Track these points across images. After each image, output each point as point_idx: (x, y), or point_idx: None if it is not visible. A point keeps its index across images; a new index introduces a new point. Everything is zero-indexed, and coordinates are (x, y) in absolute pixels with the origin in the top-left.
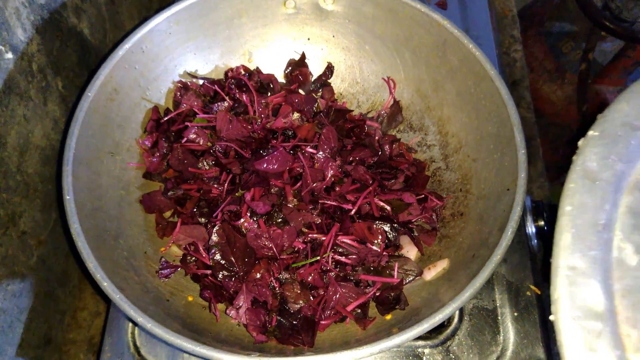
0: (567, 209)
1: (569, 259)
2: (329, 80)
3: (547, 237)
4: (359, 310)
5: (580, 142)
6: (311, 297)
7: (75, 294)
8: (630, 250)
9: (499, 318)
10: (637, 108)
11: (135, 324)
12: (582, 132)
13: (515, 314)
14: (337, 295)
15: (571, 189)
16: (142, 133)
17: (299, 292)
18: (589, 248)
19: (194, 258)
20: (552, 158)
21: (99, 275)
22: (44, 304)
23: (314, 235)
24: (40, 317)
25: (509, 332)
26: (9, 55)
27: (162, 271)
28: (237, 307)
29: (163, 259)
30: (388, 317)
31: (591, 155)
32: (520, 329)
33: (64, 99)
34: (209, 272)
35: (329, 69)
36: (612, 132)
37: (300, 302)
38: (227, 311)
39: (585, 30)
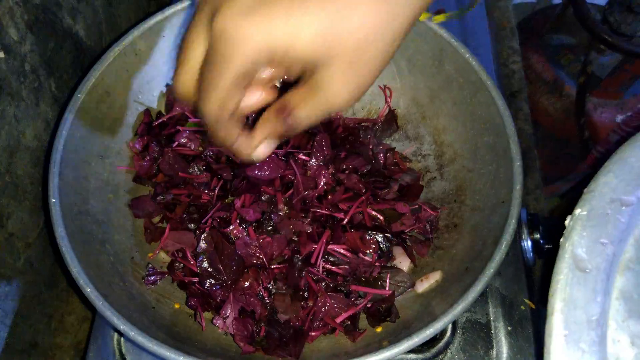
0: (558, 306)
1: None
2: None
3: (542, 250)
4: (349, 322)
5: (567, 222)
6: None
7: (63, 298)
8: (625, 342)
9: (493, 332)
10: (624, 180)
11: (118, 331)
12: (580, 146)
13: (509, 328)
14: (327, 307)
15: (561, 282)
16: (132, 136)
17: (289, 303)
18: (583, 351)
19: (181, 265)
20: (549, 170)
21: (82, 280)
22: (31, 307)
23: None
24: (26, 321)
25: (503, 347)
26: (1, 55)
27: (149, 277)
28: (224, 316)
29: (150, 265)
30: (378, 329)
31: (580, 239)
32: (514, 343)
33: (56, 100)
34: (196, 279)
35: None
36: (601, 210)
37: (290, 313)
38: (214, 321)
39: (584, 43)
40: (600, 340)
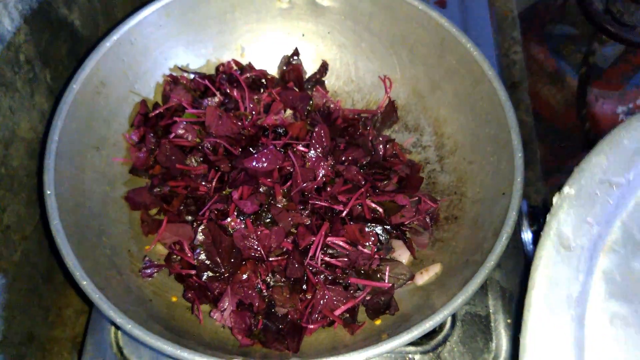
0: (539, 281)
1: (539, 341)
2: (323, 78)
3: None
4: (348, 315)
5: (555, 199)
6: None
7: (60, 291)
8: (604, 322)
9: (492, 325)
10: (616, 161)
11: (114, 324)
12: (581, 138)
13: (509, 320)
14: (325, 299)
15: (544, 258)
16: (129, 127)
17: (288, 296)
18: (560, 328)
19: (178, 257)
20: (550, 161)
21: (78, 273)
22: (28, 300)
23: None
24: (23, 314)
25: (502, 339)
26: None
27: (145, 270)
28: (222, 309)
29: (147, 258)
30: (377, 322)
31: (566, 217)
32: (514, 336)
33: (52, 91)
34: (193, 272)
35: (324, 67)
36: (590, 190)
37: (288, 306)
38: (212, 314)
39: (586, 33)
40: (579, 318)
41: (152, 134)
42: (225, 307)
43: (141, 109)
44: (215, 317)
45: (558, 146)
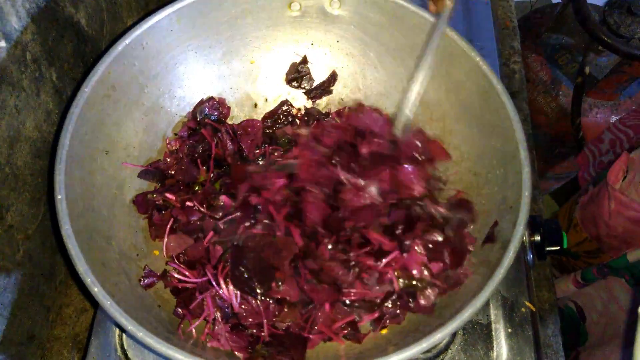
0: None
1: None
2: (331, 87)
3: (543, 252)
4: (350, 328)
5: None
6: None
7: (62, 290)
8: None
9: (493, 334)
10: None
11: (124, 331)
12: (574, 146)
13: (510, 330)
14: (323, 318)
15: None
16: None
17: (286, 310)
18: None
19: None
20: (541, 168)
21: (89, 280)
22: (29, 299)
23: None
24: (24, 313)
25: (503, 349)
26: (2, 44)
27: (145, 280)
28: (217, 337)
29: (146, 267)
30: (383, 331)
31: None
32: (514, 345)
33: (57, 90)
34: (189, 285)
35: (333, 77)
36: None
37: (288, 320)
38: (209, 343)
39: (583, 43)
40: None
41: (187, 146)
42: (221, 333)
43: (190, 123)
44: (212, 345)
45: (550, 153)
